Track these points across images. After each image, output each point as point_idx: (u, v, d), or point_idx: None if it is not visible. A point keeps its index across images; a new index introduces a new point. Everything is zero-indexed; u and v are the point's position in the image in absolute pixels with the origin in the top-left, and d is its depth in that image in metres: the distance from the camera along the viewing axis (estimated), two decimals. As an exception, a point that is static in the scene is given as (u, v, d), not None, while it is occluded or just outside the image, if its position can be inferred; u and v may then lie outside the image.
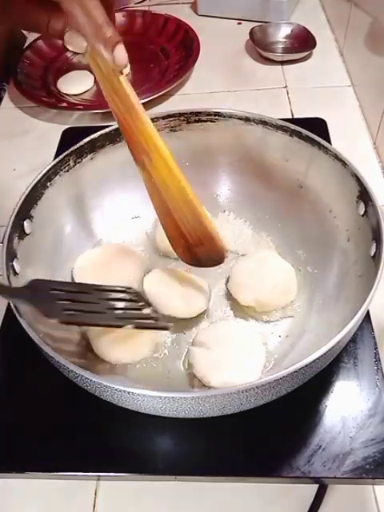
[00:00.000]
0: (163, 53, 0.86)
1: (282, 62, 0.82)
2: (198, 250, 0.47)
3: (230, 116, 0.52)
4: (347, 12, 0.78)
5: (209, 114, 0.52)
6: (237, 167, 0.55)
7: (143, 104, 0.40)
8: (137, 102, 0.39)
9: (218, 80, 0.81)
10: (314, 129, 0.50)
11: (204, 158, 0.55)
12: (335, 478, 0.40)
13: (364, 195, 0.44)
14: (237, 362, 0.43)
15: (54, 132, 0.72)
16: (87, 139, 0.50)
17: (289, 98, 0.76)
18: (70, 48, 0.36)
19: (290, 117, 0.73)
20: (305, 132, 0.49)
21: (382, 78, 0.65)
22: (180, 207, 0.44)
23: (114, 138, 0.51)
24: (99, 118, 0.75)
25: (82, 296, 0.41)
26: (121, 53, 0.35)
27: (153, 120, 0.52)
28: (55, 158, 0.49)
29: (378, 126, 0.66)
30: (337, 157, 0.46)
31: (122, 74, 0.37)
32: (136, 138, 0.41)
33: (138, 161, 0.43)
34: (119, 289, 0.43)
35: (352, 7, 0.76)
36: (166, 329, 0.42)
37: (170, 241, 0.48)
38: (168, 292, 0.49)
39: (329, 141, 0.63)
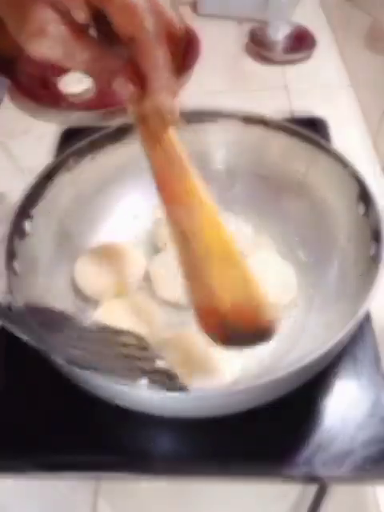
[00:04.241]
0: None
1: (282, 62, 0.82)
2: (234, 322, 0.38)
3: (230, 116, 0.52)
4: (347, 12, 0.78)
5: (209, 114, 0.52)
6: (237, 167, 0.55)
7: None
8: (185, 153, 0.37)
9: (217, 80, 0.81)
10: (314, 129, 0.50)
11: (204, 158, 0.55)
12: (335, 478, 0.40)
13: (364, 195, 0.44)
14: None
15: (54, 132, 0.72)
16: (87, 139, 0.50)
17: (289, 98, 0.76)
18: (120, 92, 0.34)
19: (290, 117, 0.73)
20: (305, 132, 0.49)
21: (382, 78, 0.65)
22: (221, 266, 0.37)
23: (114, 138, 0.51)
24: (99, 118, 0.75)
25: (88, 334, 0.38)
26: (178, 104, 0.33)
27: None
28: (55, 158, 0.49)
29: (377, 126, 0.66)
30: (337, 157, 0.46)
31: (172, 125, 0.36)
32: (175, 192, 0.38)
33: (172, 217, 0.38)
34: (127, 333, 0.39)
35: (352, 7, 0.76)
36: (182, 390, 0.36)
37: (197, 313, 0.39)
38: (171, 278, 0.48)
39: (329, 141, 0.63)
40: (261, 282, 0.37)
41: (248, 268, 0.37)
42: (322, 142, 0.48)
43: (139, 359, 0.37)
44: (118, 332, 0.39)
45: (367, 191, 0.43)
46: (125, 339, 0.38)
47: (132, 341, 0.38)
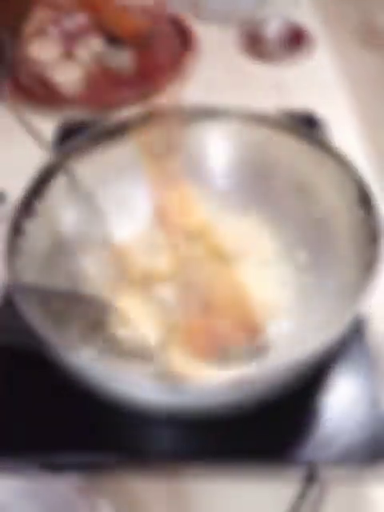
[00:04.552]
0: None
1: (280, 61, 0.82)
2: (228, 338, 0.38)
3: (230, 115, 0.52)
4: (346, 11, 0.78)
5: (208, 114, 0.52)
6: (237, 167, 0.55)
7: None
8: (180, 158, 0.39)
9: (216, 79, 0.81)
10: (314, 128, 0.50)
11: (203, 158, 0.55)
12: (334, 476, 0.40)
13: (364, 196, 0.44)
14: None
15: (53, 131, 0.71)
16: (87, 137, 0.50)
17: (287, 97, 0.76)
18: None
19: (288, 116, 0.72)
20: (305, 132, 0.49)
21: (381, 78, 0.65)
22: (216, 279, 0.38)
23: (113, 136, 0.51)
24: (98, 116, 0.75)
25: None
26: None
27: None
28: (54, 156, 0.49)
29: (377, 126, 0.66)
30: (337, 157, 0.47)
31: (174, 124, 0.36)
32: (168, 197, 0.40)
33: (171, 237, 0.40)
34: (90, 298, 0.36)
35: (351, 6, 0.76)
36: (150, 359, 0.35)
37: (188, 328, 0.39)
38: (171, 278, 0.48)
39: (329, 141, 0.63)
40: (252, 296, 0.38)
41: (241, 284, 0.38)
42: (322, 142, 0.48)
43: (102, 328, 0.36)
44: (87, 298, 0.37)
45: (367, 192, 0.43)
46: (93, 309, 0.37)
47: (101, 309, 0.37)
